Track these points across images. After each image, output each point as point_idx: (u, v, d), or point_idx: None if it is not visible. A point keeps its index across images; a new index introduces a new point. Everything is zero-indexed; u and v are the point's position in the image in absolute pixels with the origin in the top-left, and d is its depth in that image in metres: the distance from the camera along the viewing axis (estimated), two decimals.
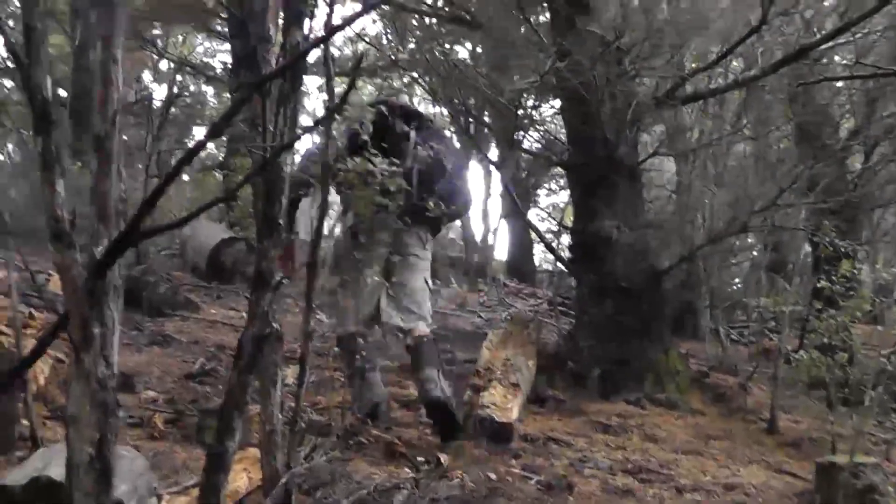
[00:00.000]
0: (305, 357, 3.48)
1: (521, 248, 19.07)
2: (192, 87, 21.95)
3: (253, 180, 2.83)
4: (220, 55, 22.87)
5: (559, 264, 9.01)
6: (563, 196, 17.99)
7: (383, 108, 5.61)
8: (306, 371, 3.50)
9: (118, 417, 2.02)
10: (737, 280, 12.56)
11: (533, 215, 19.89)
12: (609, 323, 7.44)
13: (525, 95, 9.93)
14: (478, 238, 19.29)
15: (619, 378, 7.29)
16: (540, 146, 11.77)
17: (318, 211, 3.77)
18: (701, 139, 9.24)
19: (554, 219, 11.96)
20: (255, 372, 2.83)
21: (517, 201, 10.82)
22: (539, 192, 19.70)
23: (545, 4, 8.32)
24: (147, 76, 20.86)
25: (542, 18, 9.45)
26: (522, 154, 14.57)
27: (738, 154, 10.27)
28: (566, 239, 9.05)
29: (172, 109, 17.85)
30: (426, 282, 5.79)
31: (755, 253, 11.27)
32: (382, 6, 9.97)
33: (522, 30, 8.07)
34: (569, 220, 8.81)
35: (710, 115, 9.51)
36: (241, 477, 3.74)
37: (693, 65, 8.15)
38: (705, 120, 9.49)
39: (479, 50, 13.72)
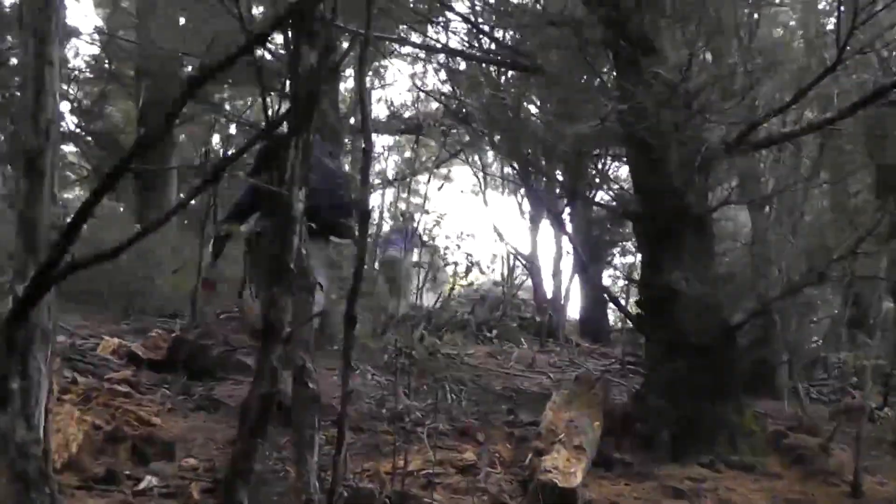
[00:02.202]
0: (344, 418, 3.20)
1: (594, 306, 18.63)
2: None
3: (197, 195, 2.56)
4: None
5: (627, 320, 8.65)
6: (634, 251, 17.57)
7: None
8: (345, 433, 3.21)
9: (48, 494, 1.67)
10: (815, 337, 12.04)
11: (606, 272, 19.41)
12: (679, 381, 7.03)
13: (588, 143, 9.62)
14: (549, 296, 18.89)
15: (691, 439, 6.86)
16: (606, 197, 11.47)
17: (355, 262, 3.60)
18: (775, 186, 8.82)
19: (622, 273, 11.55)
20: (290, 434, 2.54)
21: (583, 258, 10.48)
22: (610, 248, 19.26)
23: (608, 48, 8.02)
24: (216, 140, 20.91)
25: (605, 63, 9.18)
26: (590, 207, 14.27)
27: (814, 201, 9.83)
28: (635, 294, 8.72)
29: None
30: None
31: (835, 310, 10.79)
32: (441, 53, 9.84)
33: (584, 74, 7.80)
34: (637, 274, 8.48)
35: (785, 161, 9.10)
36: None
37: (765, 108, 7.78)
38: (779, 166, 9.09)
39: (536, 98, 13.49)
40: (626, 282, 9.94)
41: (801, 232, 8.75)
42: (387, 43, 10.91)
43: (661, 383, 7.18)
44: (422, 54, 12.78)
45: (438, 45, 10.01)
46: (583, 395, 7.05)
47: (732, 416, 7.07)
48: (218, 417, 6.92)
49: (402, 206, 17.74)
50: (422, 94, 15.44)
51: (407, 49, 12.99)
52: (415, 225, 15.74)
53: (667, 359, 7.18)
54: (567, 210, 15.34)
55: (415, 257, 15.63)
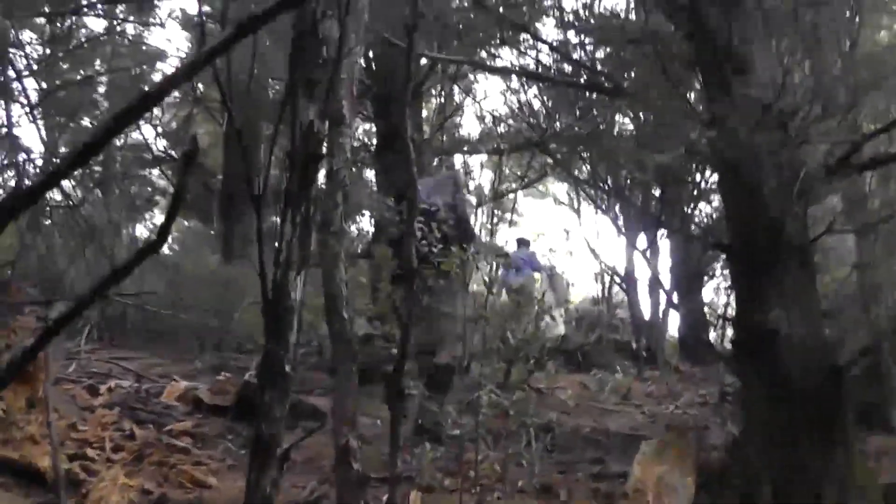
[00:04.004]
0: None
1: (695, 324, 17.82)
2: None
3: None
4: None
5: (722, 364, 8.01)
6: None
7: None
8: None
9: None
10: None
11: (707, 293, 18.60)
12: (782, 431, 6.37)
13: (673, 171, 9.05)
14: (647, 317, 18.19)
15: (795, 495, 6.19)
16: (698, 226, 10.88)
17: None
18: (883, 211, 8.09)
19: (715, 311, 10.87)
20: None
21: (674, 289, 9.87)
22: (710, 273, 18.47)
23: (694, 66, 7.43)
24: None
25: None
26: (682, 237, 13.68)
27: None
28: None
29: None
30: None
31: None
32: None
33: (669, 96, 7.23)
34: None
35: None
36: None
37: (871, 126, 7.10)
38: (887, 188, 8.36)
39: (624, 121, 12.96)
40: (719, 318, 9.20)
41: None
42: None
43: (762, 433, 6.53)
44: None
45: (511, 68, 9.56)
46: (675, 445, 6.46)
47: (842, 468, 6.39)
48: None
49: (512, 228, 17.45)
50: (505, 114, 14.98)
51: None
52: (534, 249, 15.74)
53: (767, 405, 6.53)
54: (660, 237, 14.77)
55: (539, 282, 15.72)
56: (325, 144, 2.80)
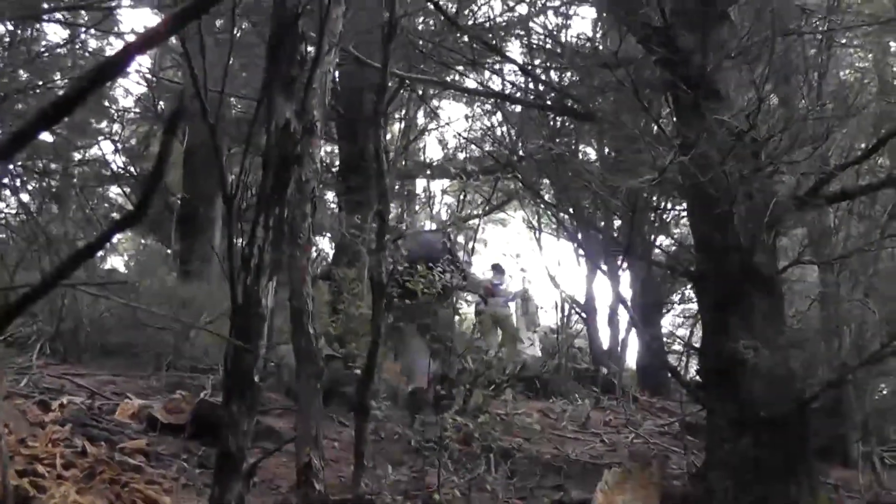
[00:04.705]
0: None
1: (653, 355, 17.75)
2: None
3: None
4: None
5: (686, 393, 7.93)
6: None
7: None
8: None
9: None
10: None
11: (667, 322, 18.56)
12: (747, 461, 6.30)
13: (643, 197, 9.00)
14: (606, 346, 18.13)
15: None
16: (663, 254, 10.83)
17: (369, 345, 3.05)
18: (848, 244, 8.09)
19: (680, 340, 10.82)
20: None
21: (636, 319, 9.81)
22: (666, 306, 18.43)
23: (666, 91, 7.39)
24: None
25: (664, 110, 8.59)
26: (647, 265, 13.65)
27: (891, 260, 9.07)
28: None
29: None
30: None
31: None
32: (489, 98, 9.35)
33: (642, 121, 7.19)
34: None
35: (860, 216, 8.37)
36: None
37: (839, 158, 7.11)
38: (853, 222, 8.36)
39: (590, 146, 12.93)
40: (684, 348, 9.12)
41: (878, 294, 8.00)
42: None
43: (726, 462, 6.46)
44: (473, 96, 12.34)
45: (481, 89, 9.51)
46: (637, 473, 6.36)
47: (805, 498, 6.34)
48: None
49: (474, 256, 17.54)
50: (471, 138, 14.93)
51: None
52: (509, 276, 15.81)
53: (732, 434, 6.46)
54: (623, 264, 14.74)
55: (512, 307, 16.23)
56: (299, 147, 2.69)
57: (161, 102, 18.34)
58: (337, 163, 16.72)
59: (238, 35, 11.82)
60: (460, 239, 9.53)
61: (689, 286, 15.42)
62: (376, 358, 3.15)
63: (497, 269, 16.27)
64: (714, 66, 6.69)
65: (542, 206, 13.22)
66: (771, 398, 6.43)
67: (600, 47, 8.28)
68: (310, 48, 2.74)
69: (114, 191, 21.24)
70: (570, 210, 8.73)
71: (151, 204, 1.61)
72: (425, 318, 8.85)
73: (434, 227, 18.69)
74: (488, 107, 11.27)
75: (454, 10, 9.53)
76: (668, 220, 11.24)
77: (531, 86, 8.75)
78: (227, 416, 2.17)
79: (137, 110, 19.19)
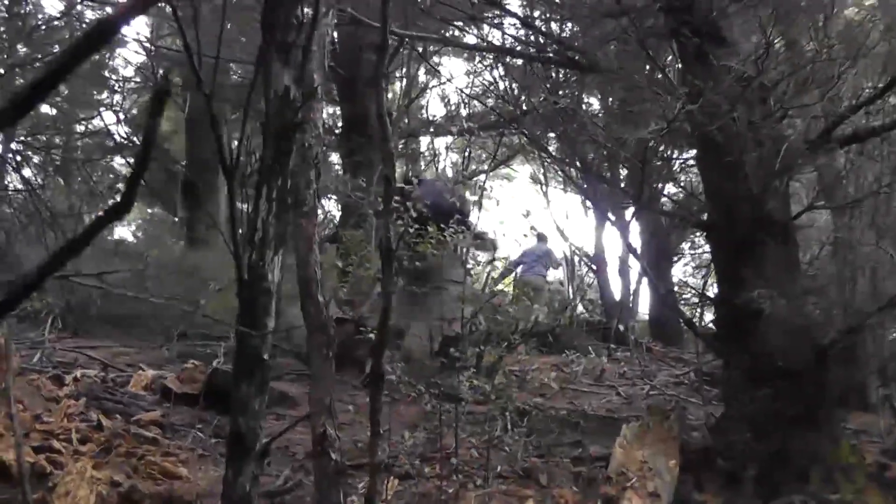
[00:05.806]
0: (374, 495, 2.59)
1: (664, 305, 17.62)
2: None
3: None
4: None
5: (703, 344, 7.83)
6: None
7: None
8: None
9: None
10: None
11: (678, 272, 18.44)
12: (765, 411, 6.23)
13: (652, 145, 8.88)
14: (617, 297, 18.01)
15: (781, 476, 6.10)
16: (674, 203, 10.70)
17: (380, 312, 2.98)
18: (865, 187, 7.94)
19: (693, 289, 10.67)
20: None
21: (647, 271, 9.71)
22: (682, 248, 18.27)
23: (672, 40, 7.25)
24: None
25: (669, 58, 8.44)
26: (657, 215, 13.54)
27: None
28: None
29: None
30: None
31: None
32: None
33: (647, 70, 7.06)
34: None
35: (873, 159, 8.21)
36: None
37: (850, 101, 6.97)
38: (865, 164, 8.20)
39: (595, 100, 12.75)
40: (699, 297, 8.99)
41: (893, 236, 7.87)
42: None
43: (745, 413, 6.40)
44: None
45: (482, 45, 9.36)
46: (656, 428, 6.29)
47: (827, 447, 6.28)
48: None
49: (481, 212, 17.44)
50: (474, 94, 14.71)
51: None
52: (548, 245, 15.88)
53: (750, 386, 6.40)
54: (633, 215, 14.63)
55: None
56: (299, 114, 2.61)
57: (161, 70, 18.16)
58: (340, 124, 16.56)
59: None
60: (469, 195, 9.37)
61: (699, 234, 15.34)
62: (388, 325, 3.07)
63: (540, 237, 16.14)
64: (719, 10, 6.55)
65: (549, 160, 13.07)
66: (789, 348, 6.36)
67: None
68: (306, 10, 2.66)
69: (118, 161, 21.08)
70: (577, 163, 8.59)
71: (137, 193, 1.52)
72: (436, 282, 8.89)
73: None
74: (490, 62, 11.07)
75: None
76: (675, 168, 11.12)
77: (532, 39, 8.60)
78: (236, 397, 2.09)
79: (138, 79, 19.00)
